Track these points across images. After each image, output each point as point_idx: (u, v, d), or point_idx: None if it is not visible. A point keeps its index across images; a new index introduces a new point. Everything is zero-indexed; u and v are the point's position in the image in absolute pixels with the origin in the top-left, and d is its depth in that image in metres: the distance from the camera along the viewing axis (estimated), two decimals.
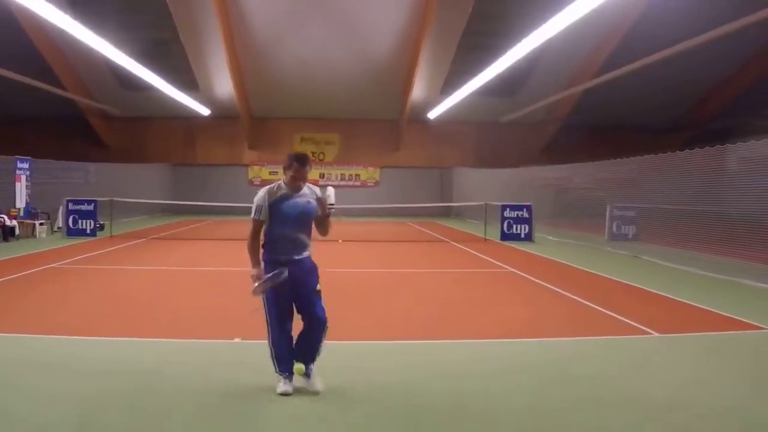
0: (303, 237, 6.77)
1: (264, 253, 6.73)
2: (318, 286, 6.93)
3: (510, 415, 6.15)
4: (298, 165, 6.54)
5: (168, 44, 32.95)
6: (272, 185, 6.69)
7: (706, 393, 6.82)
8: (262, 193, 6.65)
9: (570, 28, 20.15)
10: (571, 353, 8.46)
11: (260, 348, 8.40)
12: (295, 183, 6.59)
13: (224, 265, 17.10)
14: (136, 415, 5.97)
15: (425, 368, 7.68)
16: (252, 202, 6.68)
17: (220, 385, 6.85)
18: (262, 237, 6.71)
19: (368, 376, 7.32)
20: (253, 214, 6.65)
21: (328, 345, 7.99)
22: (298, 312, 6.84)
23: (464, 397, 6.58)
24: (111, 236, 23.59)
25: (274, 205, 6.57)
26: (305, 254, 6.81)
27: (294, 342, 6.88)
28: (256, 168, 43.74)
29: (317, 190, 6.93)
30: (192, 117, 41.07)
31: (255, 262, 6.72)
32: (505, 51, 24.29)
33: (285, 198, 6.61)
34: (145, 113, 40.63)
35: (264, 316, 6.82)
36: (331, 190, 5.89)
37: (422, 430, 5.76)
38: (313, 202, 6.80)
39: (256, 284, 6.58)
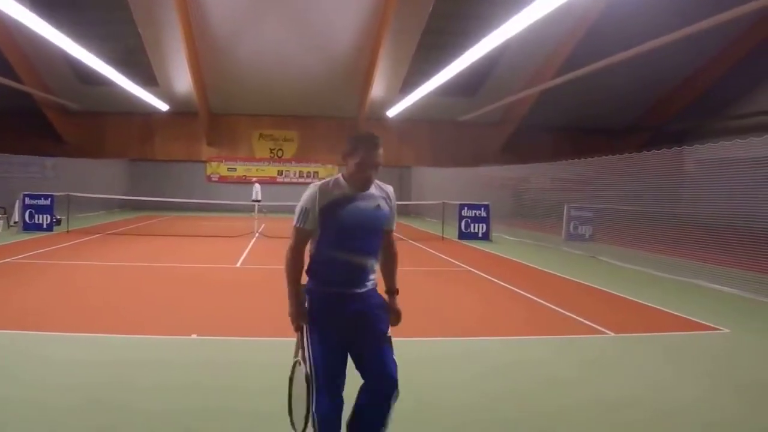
0: (368, 259, 4.54)
1: (309, 281, 4.62)
2: (389, 330, 4.83)
3: (460, 411, 6.13)
4: (367, 149, 4.44)
5: (127, 39, 32.53)
6: (326, 181, 4.51)
7: (660, 392, 6.85)
8: (311, 190, 4.46)
9: (530, 29, 20.21)
10: (526, 352, 8.47)
11: (217, 344, 8.34)
12: (363, 177, 4.46)
13: (181, 261, 16.93)
14: (92, 411, 5.88)
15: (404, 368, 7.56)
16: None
17: (176, 381, 6.78)
18: (306, 256, 4.61)
19: None
20: (295, 221, 4.49)
21: (280, 342, 7.89)
22: (357, 368, 4.63)
23: (417, 393, 6.55)
24: (68, 231, 23.21)
25: (329, 209, 4.40)
26: (370, 284, 4.62)
27: (351, 416, 4.70)
28: (214, 164, 43.43)
29: (390, 190, 4.79)
30: (151, 112, 40.63)
31: (294, 295, 4.58)
32: (465, 50, 24.31)
33: (345, 200, 4.44)
34: (103, 108, 40.09)
35: (305, 371, 4.54)
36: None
37: None
38: (385, 207, 4.64)
39: (300, 351, 4.65)
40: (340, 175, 4.56)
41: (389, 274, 5.00)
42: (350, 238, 4.47)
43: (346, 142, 4.52)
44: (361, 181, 4.48)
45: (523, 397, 6.60)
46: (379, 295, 4.76)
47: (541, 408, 6.26)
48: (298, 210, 4.48)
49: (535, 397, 6.60)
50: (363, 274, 4.57)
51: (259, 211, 36.44)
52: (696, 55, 33.48)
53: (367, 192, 4.56)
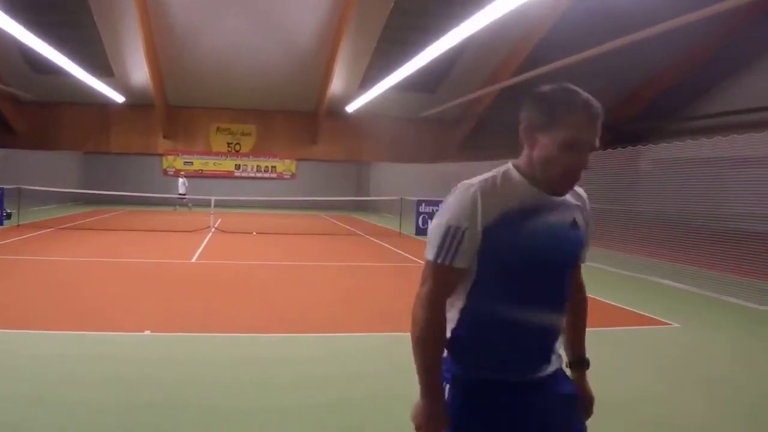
0: (558, 317, 2.72)
1: (450, 363, 2.65)
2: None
3: (396, 402, 6.10)
4: (580, 119, 2.57)
5: (83, 28, 32.07)
6: (486, 177, 2.61)
7: (609, 386, 6.85)
8: (463, 194, 2.52)
9: (490, 27, 20.24)
10: None
11: (170, 340, 8.25)
12: (570, 172, 2.59)
13: (135, 256, 16.70)
14: (40, 407, 5.77)
15: (325, 361, 7.64)
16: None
17: (128, 377, 6.65)
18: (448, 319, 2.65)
19: (263, 369, 7.22)
20: (432, 253, 2.56)
21: (234, 337, 7.86)
22: None
23: (368, 385, 6.56)
24: (18, 225, 22.72)
25: (501, 229, 2.47)
26: (556, 361, 2.78)
27: None
28: (170, 158, 43.03)
29: (584, 193, 2.97)
30: (106, 104, 39.92)
31: (433, 385, 2.58)
32: (426, 47, 24.30)
33: (529, 212, 2.53)
34: (57, 99, 39.31)
35: None
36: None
37: (318, 420, 5.67)
38: (582, 224, 2.84)
39: None
40: (509, 165, 2.66)
41: (577, 335, 3.22)
42: (535, 281, 2.52)
43: (532, 105, 2.60)
44: (564, 178, 2.55)
45: None
46: (569, 379, 2.97)
47: None
48: (438, 232, 2.50)
49: None
50: (549, 343, 2.68)
51: (183, 205, 36.36)
52: (655, 57, 33.72)
53: (560, 198, 2.62)
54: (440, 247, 2.49)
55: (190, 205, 37.43)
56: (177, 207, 37.39)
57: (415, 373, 2.52)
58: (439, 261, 2.51)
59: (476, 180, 2.55)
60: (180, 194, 36.01)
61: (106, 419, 5.57)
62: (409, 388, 6.51)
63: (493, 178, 2.58)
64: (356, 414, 5.92)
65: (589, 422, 5.68)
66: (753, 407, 6.48)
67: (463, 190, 2.51)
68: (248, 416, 5.75)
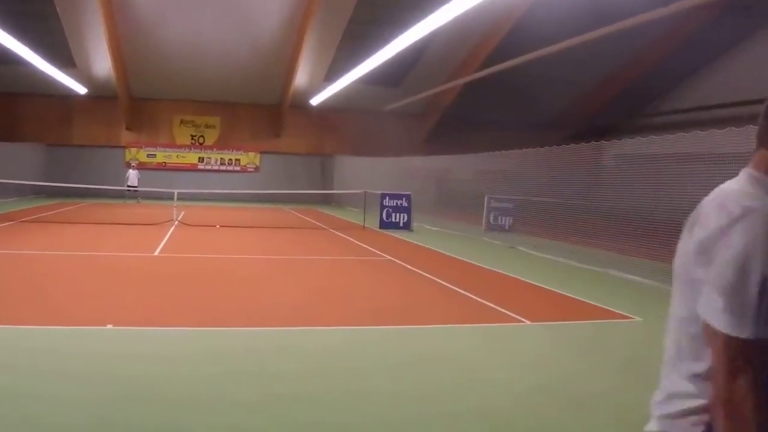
0: None
1: None
2: None
3: (370, 397, 6.18)
4: None
5: (45, 18, 31.70)
6: (751, 191, 1.89)
7: (574, 379, 6.99)
8: (763, 225, 1.74)
9: (456, 21, 20.28)
10: (443, 340, 8.58)
11: (133, 335, 8.23)
12: None
13: (97, 249, 16.56)
14: (4, 396, 5.78)
15: (289, 355, 7.66)
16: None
17: (90, 372, 6.64)
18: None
19: (226, 362, 7.23)
20: (732, 317, 1.74)
21: (198, 332, 7.86)
22: None
23: (333, 380, 6.58)
24: None
25: None
26: None
27: None
28: (133, 150, 42.61)
29: None
30: (68, 95, 39.40)
31: None
32: (391, 40, 24.31)
33: None
34: (18, 89, 38.80)
35: None
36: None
37: (288, 413, 5.69)
38: None
39: None
40: (751, 172, 2.02)
41: None
42: None
43: None
44: None
45: (434, 385, 6.65)
46: None
47: (451, 396, 6.33)
48: (746, 288, 1.75)
49: (446, 385, 6.66)
50: None
51: (132, 197, 36.11)
52: (617, 53, 34.05)
53: None
54: (748, 310, 1.73)
55: (139, 198, 37.16)
56: (126, 199, 37.13)
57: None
58: (751, 329, 1.73)
59: (750, 202, 1.83)
60: (129, 186, 35.59)
61: (68, 413, 5.58)
62: (370, 383, 6.58)
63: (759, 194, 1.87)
64: (320, 408, 5.94)
65: (554, 417, 5.77)
66: None
67: (755, 219, 1.77)
68: (211, 410, 5.77)
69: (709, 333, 1.82)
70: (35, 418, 5.41)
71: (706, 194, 2.04)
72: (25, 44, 27.34)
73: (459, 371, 7.16)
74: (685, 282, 1.97)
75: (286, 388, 6.38)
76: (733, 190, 1.91)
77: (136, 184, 35.67)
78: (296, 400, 6.05)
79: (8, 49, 27.57)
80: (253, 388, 6.36)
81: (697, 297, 1.87)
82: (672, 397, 1.98)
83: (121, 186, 35.04)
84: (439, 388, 6.54)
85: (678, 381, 1.96)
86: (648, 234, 15.55)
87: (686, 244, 1.97)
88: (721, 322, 1.77)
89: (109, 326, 8.41)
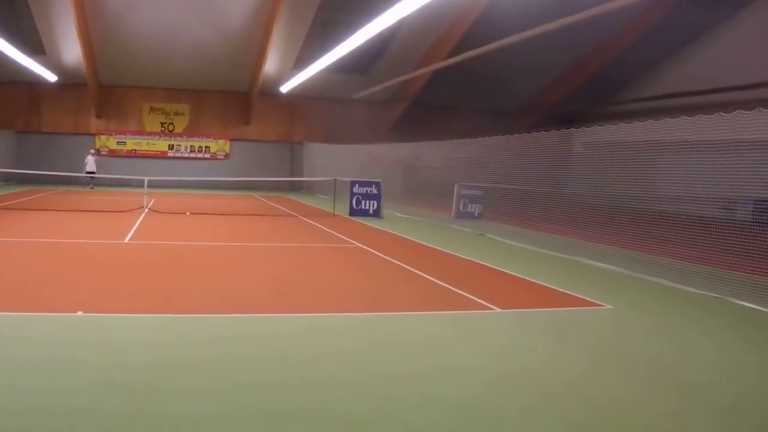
0: None
1: None
2: None
3: (333, 385, 6.22)
4: None
5: (14, 5, 31.39)
6: None
7: (544, 367, 7.07)
8: None
9: (424, 8, 20.32)
10: (410, 326, 8.62)
11: (103, 321, 8.23)
12: None
13: (68, 236, 16.51)
14: None
15: (258, 341, 7.73)
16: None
17: (60, 358, 6.67)
18: None
19: (196, 349, 7.27)
20: None
21: (169, 318, 7.88)
22: None
23: (298, 367, 6.66)
24: None
25: None
26: None
27: None
28: (103, 137, 42.29)
29: None
30: (37, 82, 39.11)
31: None
32: (360, 28, 24.31)
33: None
34: None
35: None
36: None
37: (255, 400, 5.74)
38: None
39: None
40: None
41: None
42: None
43: None
44: None
45: (398, 372, 6.72)
46: None
47: (415, 383, 6.38)
48: None
49: (411, 371, 6.71)
50: None
51: (87, 184, 35.92)
52: (585, 40, 34.28)
53: None
54: None
55: (92, 184, 36.88)
56: (87, 186, 36.88)
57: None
58: None
59: None
60: (88, 172, 35.23)
61: (36, 401, 5.59)
62: (334, 370, 6.64)
63: None
64: (291, 396, 5.98)
65: (524, 406, 5.85)
66: (682, 383, 6.74)
67: None
68: (180, 397, 5.82)
69: None
70: (2, 405, 5.44)
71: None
72: None
73: (425, 358, 7.21)
74: None
75: (249, 375, 6.42)
76: None
77: (94, 170, 35.34)
78: (268, 387, 6.10)
79: None
80: (217, 375, 6.35)
81: None
82: None
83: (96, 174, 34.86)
84: (404, 375, 6.60)
85: None
86: (618, 222, 15.70)
87: None
88: None
89: (80, 313, 8.42)
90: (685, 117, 14.69)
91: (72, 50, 35.13)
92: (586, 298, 10.79)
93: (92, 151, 37.87)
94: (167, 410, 5.48)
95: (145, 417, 5.32)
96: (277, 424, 5.26)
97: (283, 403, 5.70)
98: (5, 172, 35.07)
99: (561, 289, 11.54)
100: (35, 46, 34.40)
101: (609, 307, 10.26)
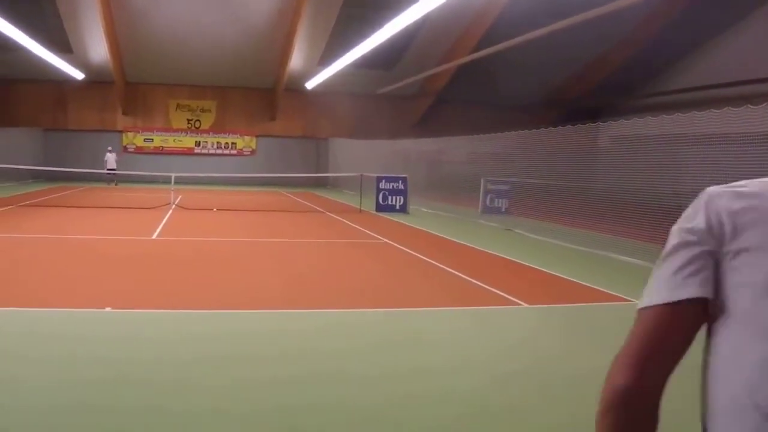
0: None
1: None
2: None
3: (359, 382, 6.22)
4: None
5: (41, 4, 31.63)
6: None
7: (570, 362, 7.03)
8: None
9: (447, 4, 20.29)
10: (438, 323, 8.61)
11: (131, 317, 8.29)
12: None
13: (96, 233, 16.58)
14: (1, 383, 5.82)
15: (285, 337, 7.73)
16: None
17: (89, 354, 6.69)
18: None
19: (222, 345, 7.28)
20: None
21: (196, 314, 7.92)
22: None
23: (317, 364, 6.65)
24: None
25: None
26: None
27: None
28: (130, 134, 42.61)
29: None
30: (64, 80, 39.41)
31: None
32: (385, 23, 24.29)
33: None
34: (13, 75, 38.75)
35: None
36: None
37: (272, 396, 5.75)
38: None
39: None
40: None
41: None
42: None
43: None
44: None
45: (428, 369, 6.67)
46: None
47: (445, 379, 6.35)
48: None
49: (441, 368, 6.69)
50: None
51: (111, 180, 36.18)
52: (609, 34, 34.01)
53: None
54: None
55: (115, 181, 37.19)
56: (111, 183, 37.21)
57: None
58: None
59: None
60: (109, 169, 35.60)
61: (62, 397, 5.63)
62: (346, 366, 6.63)
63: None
64: (310, 392, 5.97)
65: (544, 398, 5.82)
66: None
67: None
68: (201, 392, 5.85)
69: None
70: (30, 401, 5.47)
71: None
72: (22, 31, 27.26)
73: (447, 353, 7.19)
74: None
75: (270, 371, 6.44)
76: None
77: (115, 167, 35.67)
78: (279, 384, 6.09)
79: (5, 35, 27.49)
80: (239, 371, 6.35)
81: None
82: None
83: (120, 170, 35.14)
84: (427, 373, 6.55)
85: None
86: (644, 216, 15.57)
87: None
88: None
89: (108, 309, 8.50)
90: (713, 110, 14.58)
91: (98, 48, 35.34)
92: (615, 294, 10.70)
93: (110, 148, 38.10)
94: (188, 406, 5.51)
95: (161, 412, 5.36)
96: (295, 420, 5.27)
97: (301, 399, 5.70)
98: (33, 170, 35.31)
99: (589, 284, 11.46)
100: (62, 45, 34.65)
101: (636, 302, 10.14)
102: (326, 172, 40.93)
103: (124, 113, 42.06)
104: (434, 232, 18.99)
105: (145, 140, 42.69)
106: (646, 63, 36.83)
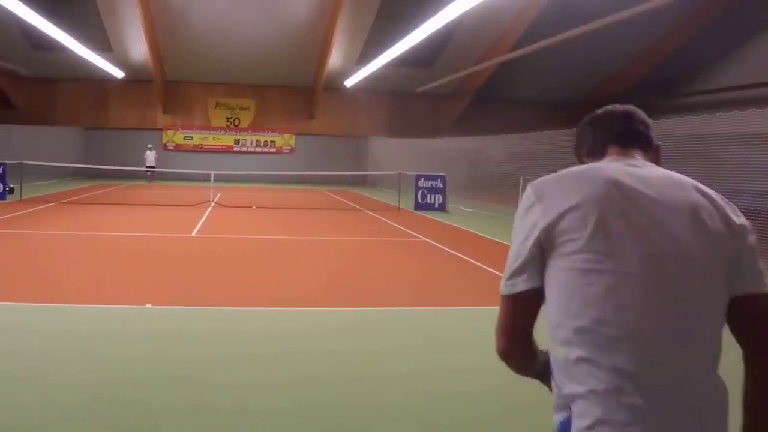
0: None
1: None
2: None
3: (393, 381, 6.21)
4: None
5: (82, 4, 31.98)
6: None
7: None
8: None
9: (486, 2, 20.23)
10: (475, 322, 8.56)
11: (172, 313, 8.36)
12: None
13: (136, 230, 16.77)
14: (42, 379, 5.88)
15: (322, 336, 7.76)
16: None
17: (130, 351, 6.78)
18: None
19: (260, 343, 7.35)
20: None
21: (235, 311, 7.96)
22: None
23: (347, 363, 6.70)
24: (20, 200, 22.75)
25: None
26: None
27: None
28: (170, 132, 43.00)
29: None
30: (104, 79, 39.86)
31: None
32: (423, 21, 24.24)
33: None
34: (56, 74, 39.33)
35: None
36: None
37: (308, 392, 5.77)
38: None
39: None
40: None
41: None
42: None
43: None
44: None
45: (463, 368, 6.66)
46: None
47: (481, 380, 6.28)
48: None
49: (477, 369, 6.64)
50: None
51: (154, 178, 36.56)
52: (649, 32, 33.73)
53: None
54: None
55: (150, 178, 37.67)
56: (147, 180, 37.68)
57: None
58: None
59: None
60: (148, 166, 36.23)
61: (103, 393, 5.70)
62: (397, 366, 6.60)
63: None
64: (341, 390, 6.02)
65: None
66: None
67: None
68: (236, 390, 5.87)
69: None
70: (65, 399, 5.54)
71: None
72: (63, 30, 27.58)
73: (486, 355, 7.13)
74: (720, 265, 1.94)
75: (301, 370, 6.44)
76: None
77: (154, 164, 36.15)
78: (326, 382, 6.12)
79: (47, 35, 27.85)
80: (284, 369, 6.40)
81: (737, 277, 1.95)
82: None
83: (159, 168, 35.56)
84: (463, 373, 6.54)
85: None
86: None
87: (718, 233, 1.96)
88: None
89: (148, 305, 8.60)
90: (756, 108, 14.38)
91: (138, 47, 35.69)
92: None
93: (149, 146, 38.49)
94: (228, 403, 5.54)
95: (206, 410, 5.40)
96: (326, 418, 5.31)
97: (332, 398, 5.72)
98: (73, 167, 35.67)
99: None
100: (102, 44, 35.00)
101: None
102: (365, 171, 40.94)
103: (164, 111, 42.47)
104: (473, 231, 18.95)
105: (184, 138, 43.04)
106: (686, 61, 36.39)
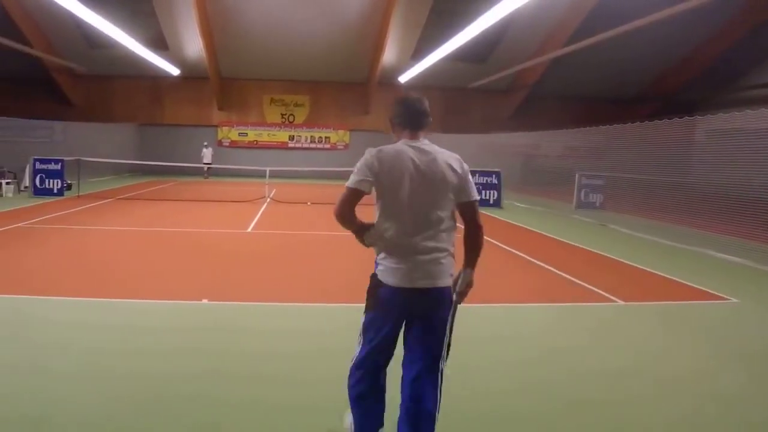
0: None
1: None
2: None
3: (465, 375, 6.21)
4: None
5: (138, 3, 32.40)
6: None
7: (663, 361, 6.91)
8: None
9: None
10: (531, 319, 8.55)
11: (228, 308, 8.44)
12: None
13: (192, 226, 16.99)
14: (101, 373, 5.97)
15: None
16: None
17: (187, 345, 6.88)
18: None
19: (318, 339, 7.32)
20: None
21: (292, 307, 7.98)
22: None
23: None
24: (78, 196, 23.17)
25: None
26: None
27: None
28: (225, 129, 43.34)
29: None
30: (159, 76, 40.47)
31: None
32: (477, 16, 24.14)
33: None
34: (112, 72, 39.94)
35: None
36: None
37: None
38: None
39: None
40: None
41: None
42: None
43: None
44: None
45: (523, 365, 6.66)
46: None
47: (540, 376, 6.34)
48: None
49: (535, 365, 6.64)
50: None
51: (211, 174, 36.94)
52: (705, 25, 33.20)
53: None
54: None
55: (206, 174, 38.06)
56: (205, 176, 38.13)
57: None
58: None
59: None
60: (205, 163, 36.79)
61: (160, 387, 5.80)
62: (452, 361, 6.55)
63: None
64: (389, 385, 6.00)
65: (645, 395, 5.71)
66: None
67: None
68: (300, 386, 5.94)
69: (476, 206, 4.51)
70: (124, 393, 5.62)
71: None
72: (120, 28, 27.94)
73: (544, 351, 7.09)
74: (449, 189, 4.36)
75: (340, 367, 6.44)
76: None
77: (210, 161, 36.64)
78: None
79: (104, 33, 28.23)
80: (329, 364, 6.40)
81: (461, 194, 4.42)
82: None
83: (215, 165, 35.97)
84: (522, 369, 6.52)
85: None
86: (743, 212, 15.17)
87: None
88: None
89: (205, 301, 8.70)
90: None
91: (193, 45, 36.03)
92: (713, 292, 10.47)
93: (206, 143, 38.90)
94: (287, 400, 5.58)
95: (265, 404, 5.44)
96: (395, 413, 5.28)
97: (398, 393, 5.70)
98: (130, 164, 36.13)
99: (685, 282, 11.23)
100: (158, 42, 35.48)
101: (736, 300, 9.94)
102: None
103: (219, 108, 42.80)
104: (528, 227, 18.85)
105: (239, 134, 43.33)
106: (744, 55, 35.77)
